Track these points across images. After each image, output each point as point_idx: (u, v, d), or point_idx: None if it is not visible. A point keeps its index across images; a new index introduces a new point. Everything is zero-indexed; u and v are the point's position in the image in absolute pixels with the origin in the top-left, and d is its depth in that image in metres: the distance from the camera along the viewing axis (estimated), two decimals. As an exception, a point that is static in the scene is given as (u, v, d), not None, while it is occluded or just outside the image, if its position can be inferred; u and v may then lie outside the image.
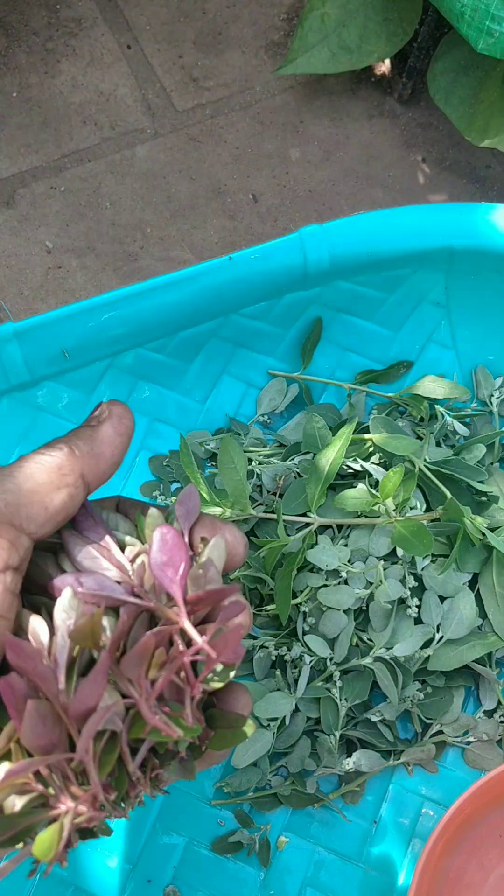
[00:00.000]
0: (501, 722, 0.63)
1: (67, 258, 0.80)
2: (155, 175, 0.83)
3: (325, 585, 0.61)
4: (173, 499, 0.64)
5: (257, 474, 0.67)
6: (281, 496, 0.65)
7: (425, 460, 0.65)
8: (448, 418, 0.69)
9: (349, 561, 0.61)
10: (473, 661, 0.62)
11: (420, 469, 0.64)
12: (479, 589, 0.63)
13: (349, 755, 0.61)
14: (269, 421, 0.72)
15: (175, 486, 0.71)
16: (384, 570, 0.61)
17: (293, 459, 0.67)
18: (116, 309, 0.64)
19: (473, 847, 0.62)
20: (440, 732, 0.63)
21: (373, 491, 0.61)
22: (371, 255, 0.65)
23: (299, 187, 0.84)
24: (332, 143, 0.86)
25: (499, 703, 0.63)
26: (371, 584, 0.61)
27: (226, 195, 0.82)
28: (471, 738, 0.63)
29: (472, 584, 0.64)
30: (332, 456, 0.62)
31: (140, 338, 0.67)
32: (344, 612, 0.61)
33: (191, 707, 0.34)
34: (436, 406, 0.70)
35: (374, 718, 0.61)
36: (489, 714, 0.64)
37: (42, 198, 0.82)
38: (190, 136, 0.85)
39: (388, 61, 0.89)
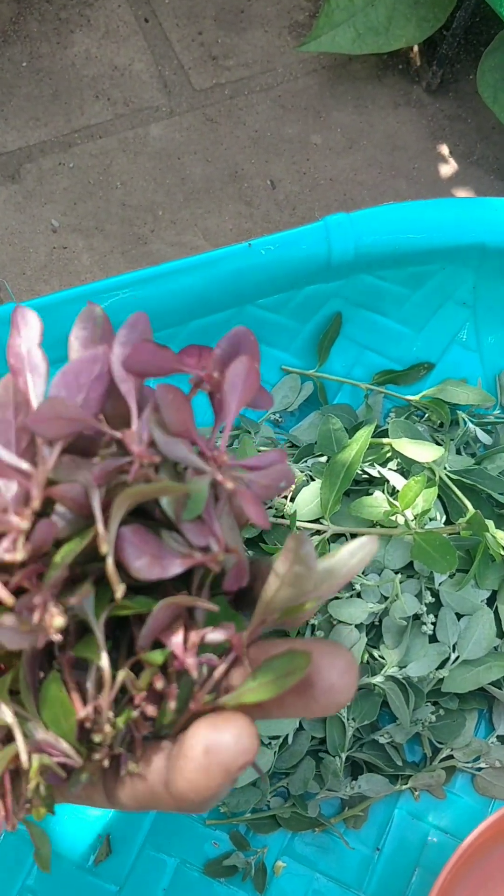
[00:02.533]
0: (516, 749, 0.60)
1: (74, 238, 0.76)
2: (169, 155, 0.79)
3: (337, 598, 0.57)
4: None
5: (268, 476, 0.63)
6: (292, 500, 0.62)
7: (445, 469, 0.62)
8: (470, 425, 0.65)
9: (363, 573, 0.58)
10: (489, 684, 0.59)
11: (440, 478, 0.61)
12: (497, 607, 0.60)
13: (354, 778, 0.58)
14: (280, 420, 0.69)
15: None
16: (400, 583, 0.57)
17: (306, 461, 0.64)
18: (126, 293, 0.60)
19: (482, 880, 0.59)
20: (450, 757, 0.60)
21: (391, 499, 0.58)
22: (398, 248, 0.61)
23: (320, 175, 0.80)
24: (356, 131, 0.82)
25: (513, 728, 0.60)
26: (385, 598, 0.58)
27: (242, 180, 0.78)
28: (482, 764, 0.60)
29: (490, 601, 0.60)
30: (348, 459, 0.59)
31: (151, 323, 0.63)
32: (356, 626, 0.57)
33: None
34: (458, 412, 0.66)
35: (381, 740, 0.58)
36: (502, 740, 0.60)
37: (49, 174, 0.78)
38: (207, 117, 0.81)
39: (416, 48, 0.86)
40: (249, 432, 0.67)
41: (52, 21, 0.84)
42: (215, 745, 0.27)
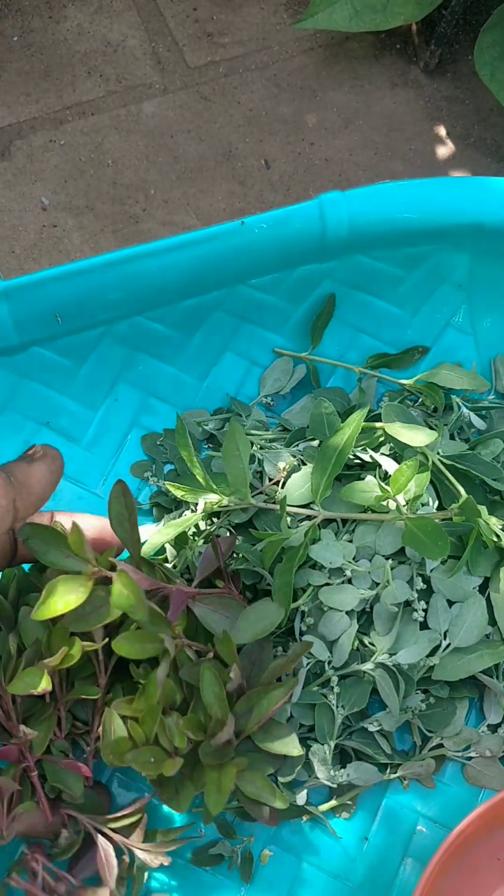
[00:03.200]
0: (507, 738, 0.59)
1: (64, 217, 0.74)
2: (162, 133, 0.78)
3: (328, 584, 0.56)
4: (165, 482, 0.59)
5: (259, 460, 0.62)
6: (283, 485, 0.61)
7: (438, 454, 0.61)
8: (465, 410, 0.64)
9: (354, 559, 0.57)
10: (480, 672, 0.58)
11: (433, 463, 0.60)
12: (488, 594, 0.59)
13: (343, 766, 0.57)
14: (272, 403, 0.67)
15: (168, 467, 0.66)
16: (391, 569, 0.56)
17: (297, 446, 0.63)
18: (116, 271, 0.59)
19: (469, 871, 0.58)
20: (440, 746, 0.59)
21: (383, 484, 0.57)
22: (394, 227, 0.60)
23: (315, 155, 0.79)
24: (352, 111, 0.81)
25: (504, 717, 0.59)
26: (377, 584, 0.57)
27: (236, 159, 0.77)
28: (472, 754, 0.59)
29: (482, 588, 0.59)
30: (340, 444, 0.58)
31: (140, 304, 0.62)
32: (346, 613, 0.56)
33: None
34: (452, 396, 0.65)
35: (371, 728, 0.57)
36: (493, 729, 0.60)
37: (40, 151, 0.77)
38: (201, 95, 0.79)
39: (414, 27, 0.84)
40: (241, 415, 0.66)
41: (44, -5, 0.83)
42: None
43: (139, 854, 0.51)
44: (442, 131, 0.81)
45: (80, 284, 0.60)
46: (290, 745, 0.51)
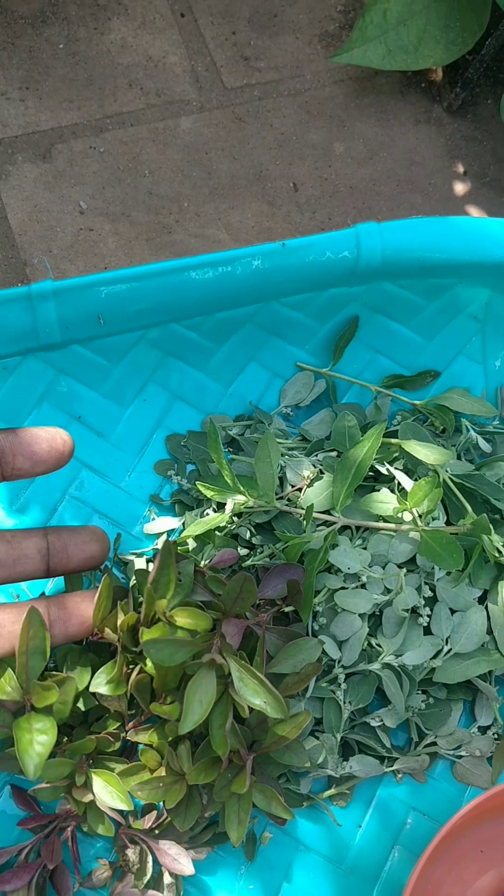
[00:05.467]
0: (496, 739, 0.63)
1: (100, 221, 0.78)
2: (197, 149, 0.81)
3: (343, 588, 0.61)
4: (197, 483, 0.63)
5: (281, 466, 0.66)
6: (303, 492, 0.64)
7: (447, 472, 0.65)
8: (472, 433, 0.69)
9: (369, 565, 0.61)
10: (476, 677, 0.62)
11: (443, 480, 0.64)
12: (487, 605, 0.63)
13: (345, 759, 0.61)
14: (291, 413, 0.71)
15: (190, 467, 0.69)
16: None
17: (316, 455, 0.67)
18: (162, 280, 0.63)
19: (454, 860, 0.62)
20: (433, 744, 0.63)
21: (400, 497, 0.61)
22: (422, 260, 0.64)
23: (340, 182, 0.83)
24: (377, 143, 0.85)
25: (495, 720, 0.64)
26: (388, 590, 0.61)
27: (266, 180, 0.81)
28: (462, 753, 0.63)
29: (481, 599, 0.64)
30: (360, 455, 0.62)
31: (180, 313, 0.65)
32: (359, 615, 0.60)
33: None
34: (461, 419, 0.70)
35: (373, 723, 0.61)
36: (483, 730, 0.64)
37: (80, 156, 0.80)
38: (236, 115, 0.83)
39: (440, 69, 0.89)
40: (263, 422, 0.70)
41: (90, 6, 0.86)
42: None
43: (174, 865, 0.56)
44: (460, 169, 0.85)
45: (126, 290, 0.63)
46: (303, 758, 0.56)
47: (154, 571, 0.51)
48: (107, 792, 0.54)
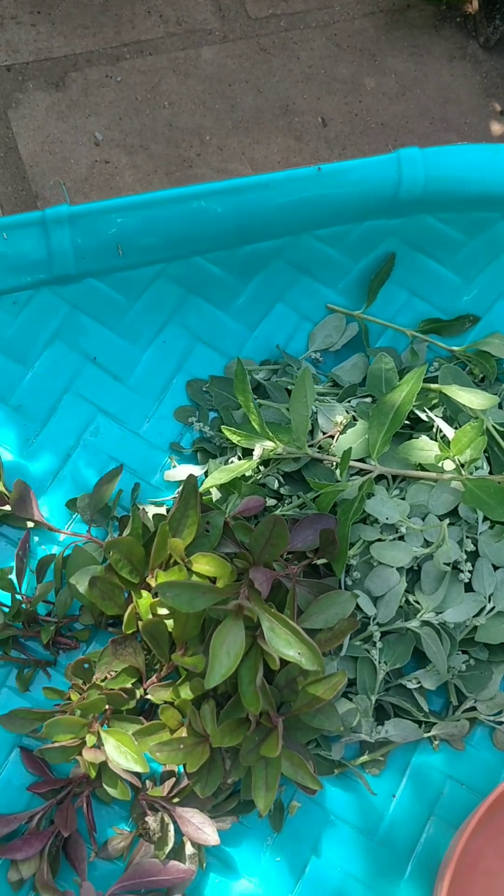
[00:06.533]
0: (540, 706, 0.59)
1: (117, 154, 0.73)
2: (220, 81, 0.77)
3: (380, 540, 0.56)
4: (222, 427, 0.58)
5: (312, 412, 0.61)
6: (336, 439, 0.60)
7: (490, 420, 0.61)
8: (515, 380, 0.64)
9: (408, 516, 0.57)
10: (519, 638, 0.58)
11: (487, 429, 0.60)
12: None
13: (380, 723, 0.57)
14: (320, 359, 0.67)
15: (213, 414, 0.65)
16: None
17: (349, 401, 0.62)
18: (184, 206, 0.58)
19: (494, 833, 0.58)
20: (473, 709, 0.59)
21: (442, 444, 0.57)
22: (467, 189, 0.60)
23: (371, 118, 0.78)
24: (409, 79, 0.81)
25: (538, 685, 0.60)
26: (428, 543, 0.56)
27: (293, 114, 0.76)
28: (503, 719, 0.59)
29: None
30: (398, 400, 0.57)
31: (202, 244, 0.61)
32: (397, 570, 0.56)
33: None
34: (503, 365, 0.65)
35: (410, 685, 0.57)
36: (525, 696, 0.60)
37: (95, 85, 0.75)
38: (261, 47, 0.78)
39: (476, 2, 0.84)
40: (291, 366, 0.65)
41: None
42: None
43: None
44: (497, 108, 0.81)
45: (146, 217, 0.58)
46: (335, 722, 0.52)
47: (174, 508, 0.47)
48: (120, 753, 0.49)
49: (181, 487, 0.48)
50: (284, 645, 0.47)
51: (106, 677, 0.53)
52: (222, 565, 0.49)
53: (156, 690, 0.52)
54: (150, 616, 0.50)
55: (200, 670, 0.49)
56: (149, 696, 0.53)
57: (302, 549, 0.54)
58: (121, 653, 0.52)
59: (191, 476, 0.48)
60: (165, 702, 0.52)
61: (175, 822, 0.53)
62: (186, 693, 0.51)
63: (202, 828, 0.52)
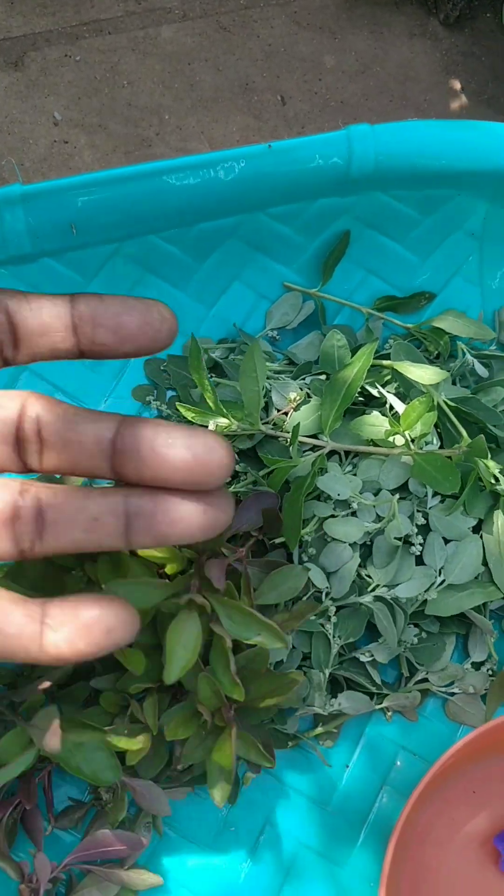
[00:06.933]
0: (490, 675, 0.60)
1: (76, 133, 0.73)
2: (179, 59, 0.76)
3: (333, 516, 0.57)
4: (177, 404, 0.58)
5: (267, 389, 0.62)
6: (287, 415, 0.61)
7: (441, 396, 0.61)
8: (469, 357, 0.65)
9: (360, 492, 0.57)
10: (470, 609, 0.59)
11: (438, 404, 0.60)
12: (482, 535, 0.60)
13: (334, 696, 0.58)
14: (277, 337, 0.67)
15: (171, 393, 0.65)
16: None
17: (304, 379, 0.63)
18: (138, 184, 0.58)
19: (444, 802, 0.59)
20: (425, 680, 0.60)
21: (392, 419, 0.57)
22: (418, 166, 0.60)
23: (331, 96, 0.78)
24: (370, 57, 0.81)
25: (489, 655, 0.60)
26: (380, 518, 0.57)
27: (252, 93, 0.76)
28: (455, 690, 0.60)
29: (475, 529, 0.60)
30: (350, 377, 0.58)
31: (156, 222, 0.61)
32: (349, 545, 0.57)
33: None
34: (458, 343, 0.66)
35: (363, 658, 0.58)
36: (476, 666, 0.61)
37: (54, 65, 0.75)
38: (220, 25, 0.78)
39: (436, -22, 0.84)
40: (247, 345, 0.65)
41: None
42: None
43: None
44: (457, 85, 0.81)
45: (99, 195, 0.58)
46: (291, 699, 0.52)
47: None
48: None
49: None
50: (245, 631, 0.47)
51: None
52: (172, 553, 0.49)
53: (99, 682, 0.52)
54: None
55: (140, 673, 0.49)
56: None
57: (246, 530, 0.55)
58: None
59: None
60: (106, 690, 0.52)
61: (129, 793, 0.53)
62: (134, 689, 0.51)
63: (156, 798, 0.52)
